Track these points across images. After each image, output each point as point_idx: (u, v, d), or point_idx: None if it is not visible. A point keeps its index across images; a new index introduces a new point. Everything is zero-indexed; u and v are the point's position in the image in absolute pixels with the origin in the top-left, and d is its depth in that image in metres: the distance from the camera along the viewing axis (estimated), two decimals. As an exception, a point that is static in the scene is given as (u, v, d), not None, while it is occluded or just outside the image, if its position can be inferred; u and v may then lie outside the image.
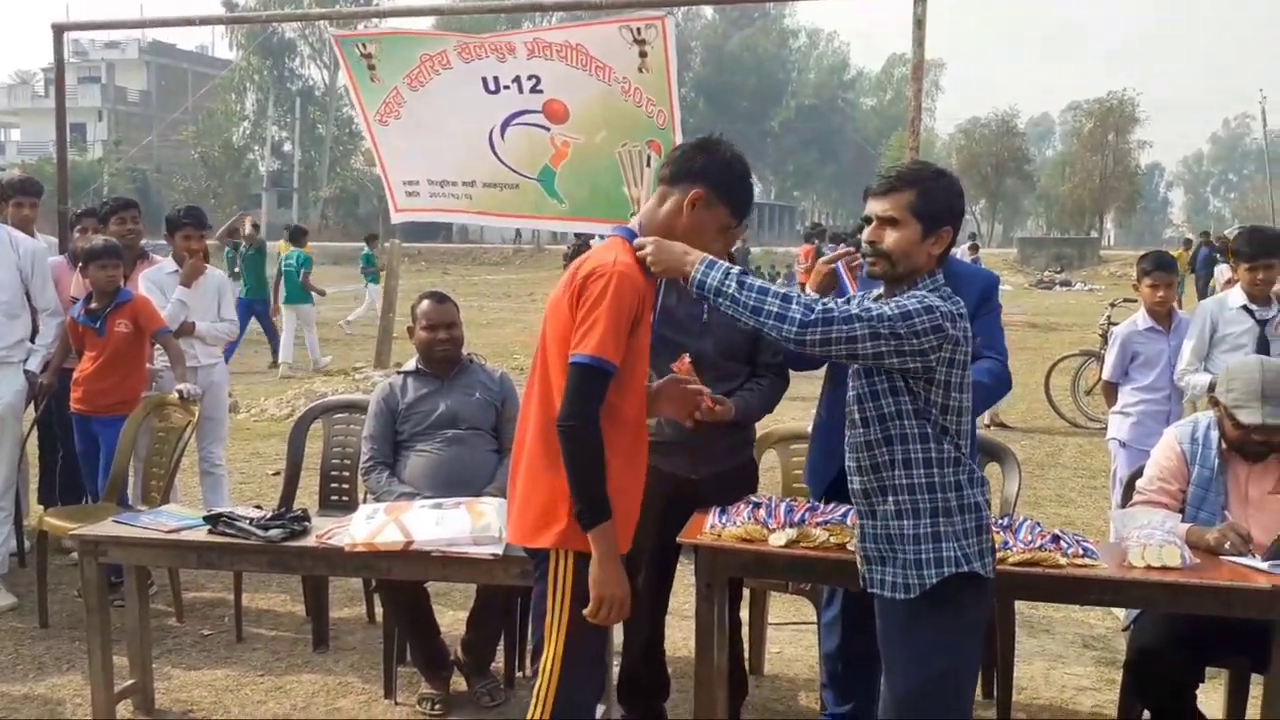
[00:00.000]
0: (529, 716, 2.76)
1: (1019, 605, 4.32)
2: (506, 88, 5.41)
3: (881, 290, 2.84)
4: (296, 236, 15.89)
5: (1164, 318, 5.46)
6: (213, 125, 53.43)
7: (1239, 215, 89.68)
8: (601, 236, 3.01)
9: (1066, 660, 4.74)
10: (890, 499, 2.72)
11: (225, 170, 51.23)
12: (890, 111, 75.74)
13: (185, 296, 5.72)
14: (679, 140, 5.00)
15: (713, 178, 2.82)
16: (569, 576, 2.72)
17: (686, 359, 3.39)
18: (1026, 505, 7.04)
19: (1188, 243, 26.11)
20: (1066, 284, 34.92)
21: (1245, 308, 5.05)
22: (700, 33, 71.04)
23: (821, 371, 3.76)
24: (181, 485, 6.29)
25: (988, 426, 9.81)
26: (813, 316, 2.58)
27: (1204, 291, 20.61)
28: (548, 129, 5.42)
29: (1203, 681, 3.56)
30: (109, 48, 62.44)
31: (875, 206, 2.77)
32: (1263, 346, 4.94)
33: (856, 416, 2.79)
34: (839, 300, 2.89)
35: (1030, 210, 74.41)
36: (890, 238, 2.74)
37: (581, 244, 5.98)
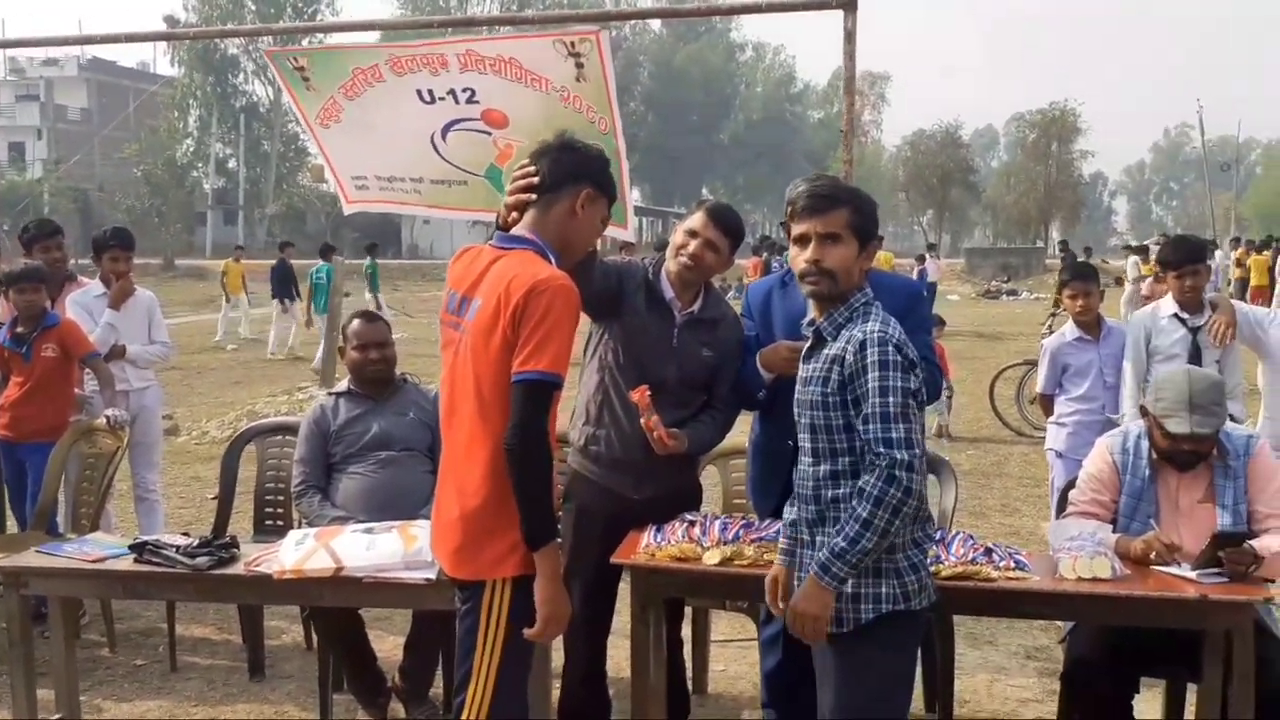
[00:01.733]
0: (460, 746, 2.69)
1: (961, 618, 4.31)
2: (442, 99, 5.33)
3: (813, 315, 2.81)
4: (325, 252, 18.36)
5: (1092, 326, 5.47)
6: (156, 143, 52.61)
7: (1180, 222, 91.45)
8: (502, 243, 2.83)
9: (1009, 672, 4.75)
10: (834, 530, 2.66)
11: (169, 188, 50.33)
12: (837, 124, 75.89)
13: (114, 319, 5.58)
14: (621, 145, 4.98)
15: (593, 175, 2.82)
16: (506, 603, 2.65)
17: (646, 391, 3.35)
18: (972, 515, 7.10)
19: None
20: (1013, 293, 35.36)
21: (1177, 316, 5.10)
22: (648, 46, 71.21)
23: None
24: (117, 511, 6.16)
25: (935, 437, 9.88)
26: (899, 474, 2.54)
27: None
28: (489, 133, 5.35)
29: (1138, 692, 3.57)
30: (47, 65, 61.25)
31: (811, 225, 2.71)
32: (1195, 355, 4.98)
33: (808, 446, 2.76)
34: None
35: (977, 220, 75.27)
36: (834, 255, 2.70)
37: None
